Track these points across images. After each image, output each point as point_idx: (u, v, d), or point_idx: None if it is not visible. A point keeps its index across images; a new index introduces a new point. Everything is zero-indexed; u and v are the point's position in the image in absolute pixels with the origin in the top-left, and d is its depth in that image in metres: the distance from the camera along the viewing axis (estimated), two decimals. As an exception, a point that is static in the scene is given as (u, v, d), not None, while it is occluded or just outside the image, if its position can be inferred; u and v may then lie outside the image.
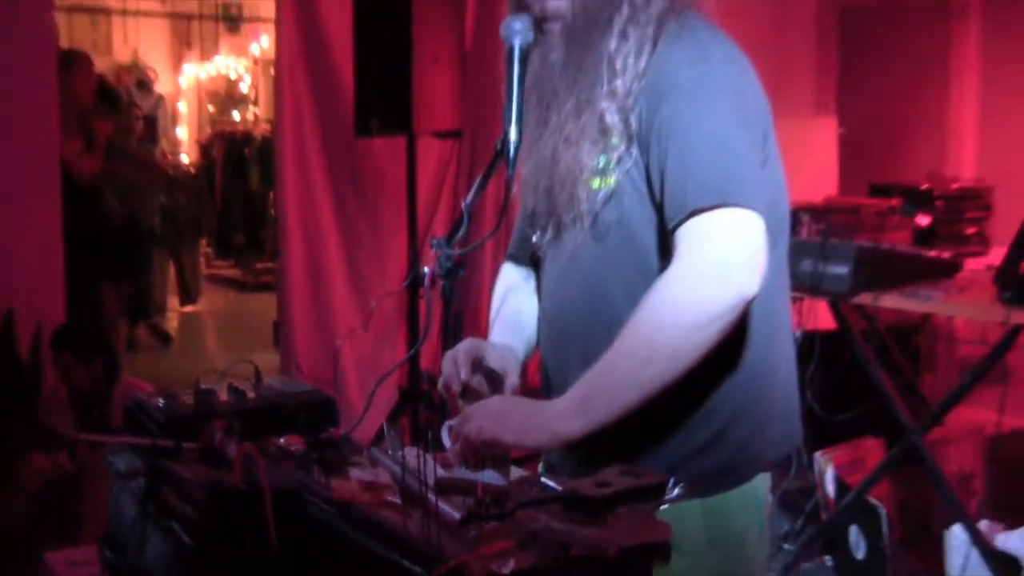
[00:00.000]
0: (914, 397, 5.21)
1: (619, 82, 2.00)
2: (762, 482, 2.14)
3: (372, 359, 5.76)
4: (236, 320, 10.95)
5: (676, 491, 1.78)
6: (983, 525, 3.93)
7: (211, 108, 14.94)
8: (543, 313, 2.26)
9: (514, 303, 2.35)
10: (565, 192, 2.06)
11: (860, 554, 4.38)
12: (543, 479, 1.82)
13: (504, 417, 1.94)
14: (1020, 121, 6.62)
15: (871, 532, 4.24)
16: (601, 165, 2.03)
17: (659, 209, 1.98)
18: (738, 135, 1.93)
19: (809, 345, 4.35)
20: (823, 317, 4.63)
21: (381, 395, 2.34)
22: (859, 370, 4.48)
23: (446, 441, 2.01)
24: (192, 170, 12.12)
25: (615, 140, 2.01)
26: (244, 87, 14.55)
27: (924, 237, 5.05)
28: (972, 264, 4.78)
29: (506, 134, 2.06)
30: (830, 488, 4.64)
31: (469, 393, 2.14)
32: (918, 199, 5.10)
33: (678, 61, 1.99)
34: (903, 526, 4.90)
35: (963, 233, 5.23)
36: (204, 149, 12.77)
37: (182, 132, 14.73)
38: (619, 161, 2.01)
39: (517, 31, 2.09)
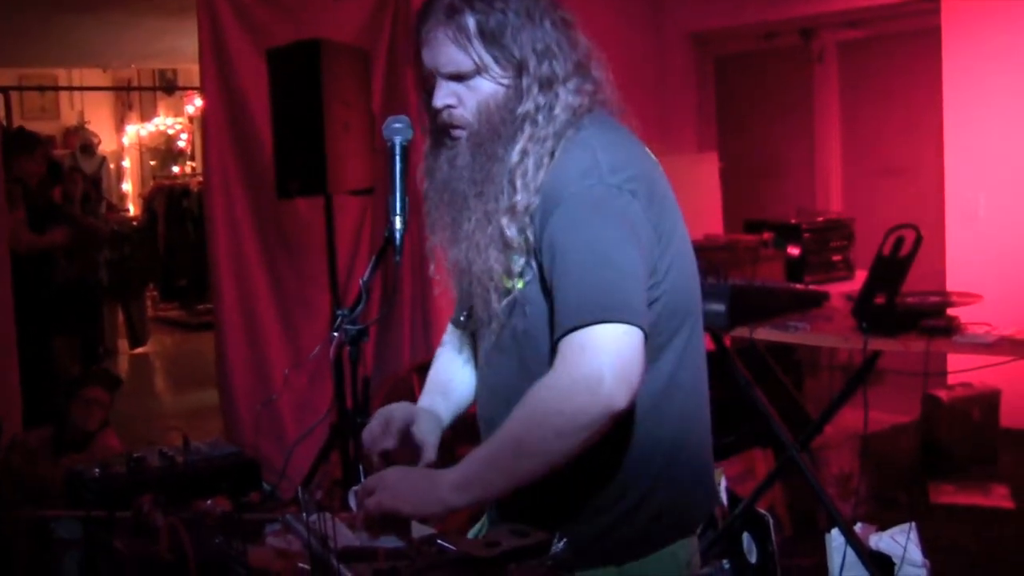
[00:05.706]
0: (796, 408, 5.28)
1: (518, 198, 1.91)
2: (681, 548, 2.04)
3: (306, 398, 5.73)
4: (182, 359, 10.83)
5: (559, 546, 1.79)
6: (858, 528, 3.97)
7: (152, 163, 14.80)
8: (481, 383, 2.18)
9: (445, 371, 2.30)
10: (481, 293, 1.99)
11: (753, 558, 4.41)
12: (439, 540, 1.83)
13: (401, 490, 1.89)
14: (876, 154, 6.75)
15: (760, 539, 4.28)
16: (512, 269, 1.96)
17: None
18: (619, 247, 1.84)
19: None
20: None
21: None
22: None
23: (353, 504, 2.01)
24: (136, 222, 11.96)
25: (516, 254, 1.94)
26: (181, 142, 14.42)
27: (795, 266, 5.15)
28: (840, 288, 4.85)
29: (392, 224, 2.05)
30: (723, 498, 4.67)
31: (390, 458, 2.12)
32: (788, 232, 5.19)
33: (566, 175, 1.90)
34: (793, 525, 4.96)
35: (830, 260, 5.34)
36: (147, 202, 12.63)
37: (127, 186, 14.56)
38: (521, 273, 1.95)
39: (397, 130, 2.09)
